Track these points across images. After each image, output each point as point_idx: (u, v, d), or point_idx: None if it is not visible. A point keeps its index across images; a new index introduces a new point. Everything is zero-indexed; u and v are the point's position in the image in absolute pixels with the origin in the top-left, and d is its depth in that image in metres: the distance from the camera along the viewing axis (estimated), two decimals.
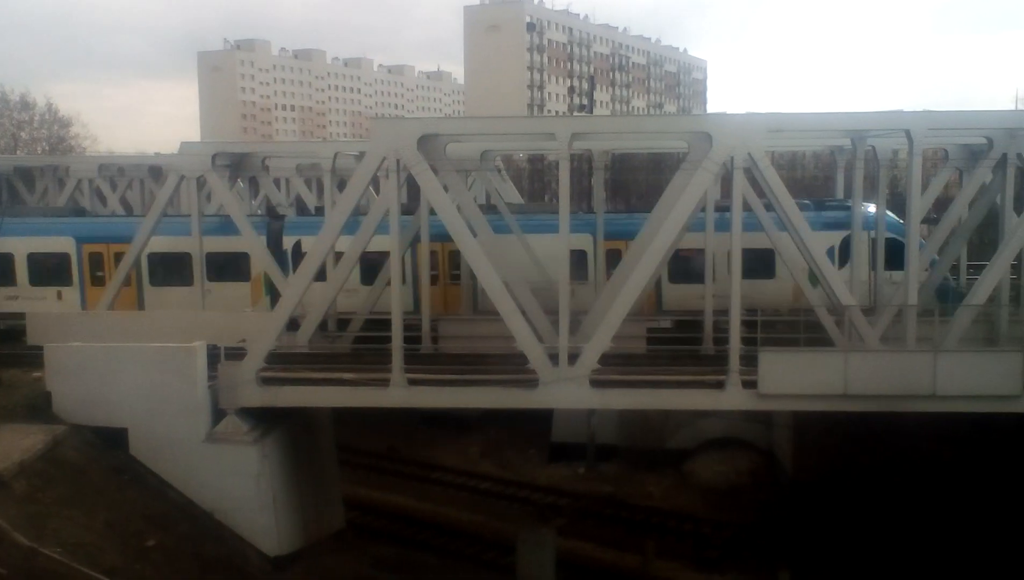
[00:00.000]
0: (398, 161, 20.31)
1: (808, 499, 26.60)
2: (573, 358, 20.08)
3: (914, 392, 19.58)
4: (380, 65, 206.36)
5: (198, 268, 27.56)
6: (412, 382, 20.63)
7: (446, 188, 21.98)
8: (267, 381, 20.84)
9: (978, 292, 20.60)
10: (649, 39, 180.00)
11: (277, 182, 39.24)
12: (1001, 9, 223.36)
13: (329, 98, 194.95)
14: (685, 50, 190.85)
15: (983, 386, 19.50)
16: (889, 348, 20.24)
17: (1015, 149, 23.11)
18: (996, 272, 20.71)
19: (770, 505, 27.68)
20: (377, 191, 24.49)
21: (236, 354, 21.09)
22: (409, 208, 26.43)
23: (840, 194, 31.65)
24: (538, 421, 30.25)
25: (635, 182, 75.68)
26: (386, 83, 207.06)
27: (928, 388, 19.42)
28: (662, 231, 20.63)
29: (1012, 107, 62.38)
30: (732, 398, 20.19)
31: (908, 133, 20.56)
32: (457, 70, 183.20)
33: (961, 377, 19.44)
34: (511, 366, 20.67)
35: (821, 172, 70.44)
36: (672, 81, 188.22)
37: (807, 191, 46.19)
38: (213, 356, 20.92)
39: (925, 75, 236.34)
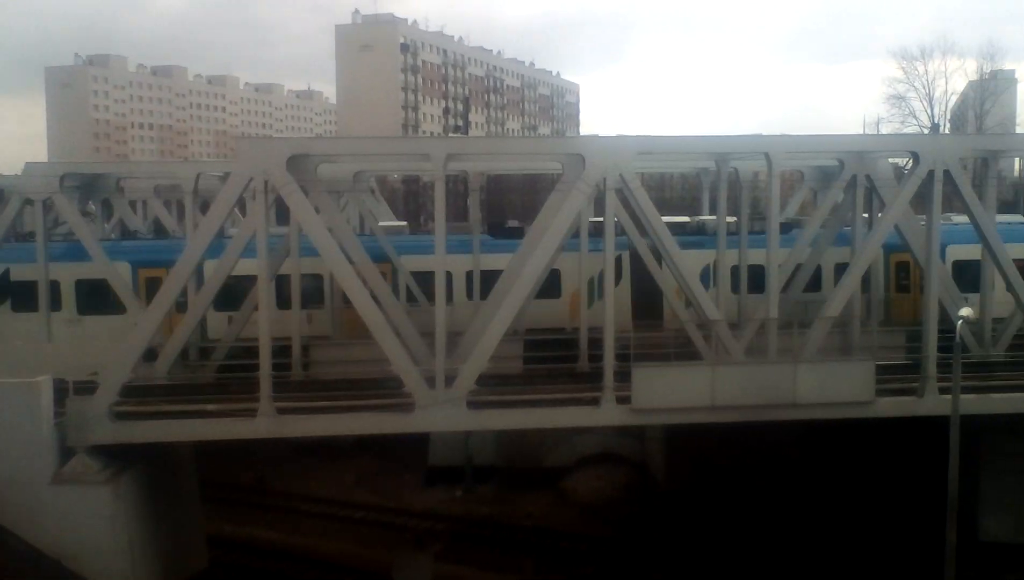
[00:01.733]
0: (266, 182, 20.17)
1: (679, 507, 27.76)
2: (450, 380, 20.35)
3: (777, 401, 20.84)
4: (247, 83, 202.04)
5: (44, 297, 26.10)
6: (281, 411, 20.33)
7: (317, 210, 21.96)
8: (121, 416, 20.01)
9: (832, 305, 21.98)
10: (523, 62, 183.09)
11: (133, 205, 37.82)
12: (847, 41, 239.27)
13: (191, 116, 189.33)
14: (558, 73, 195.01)
15: (839, 393, 20.90)
16: (752, 360, 21.40)
17: (864, 171, 24.89)
18: (848, 286, 22.20)
19: (644, 516, 28.67)
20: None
21: (88, 388, 20.16)
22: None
23: (705, 213, 33.15)
24: (415, 445, 30.39)
25: (511, 203, 76.93)
26: (253, 101, 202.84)
27: (789, 397, 20.71)
28: (538, 250, 21.20)
29: (860, 131, 66.50)
30: (607, 414, 20.90)
31: (767, 156, 21.90)
32: (329, 89, 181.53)
33: (819, 386, 20.80)
34: (386, 390, 20.76)
35: (688, 193, 73.35)
36: (546, 104, 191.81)
37: (674, 211, 48.06)
38: (62, 391, 19.87)
39: (781, 101, 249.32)
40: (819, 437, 25.49)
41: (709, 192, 32.49)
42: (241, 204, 23.51)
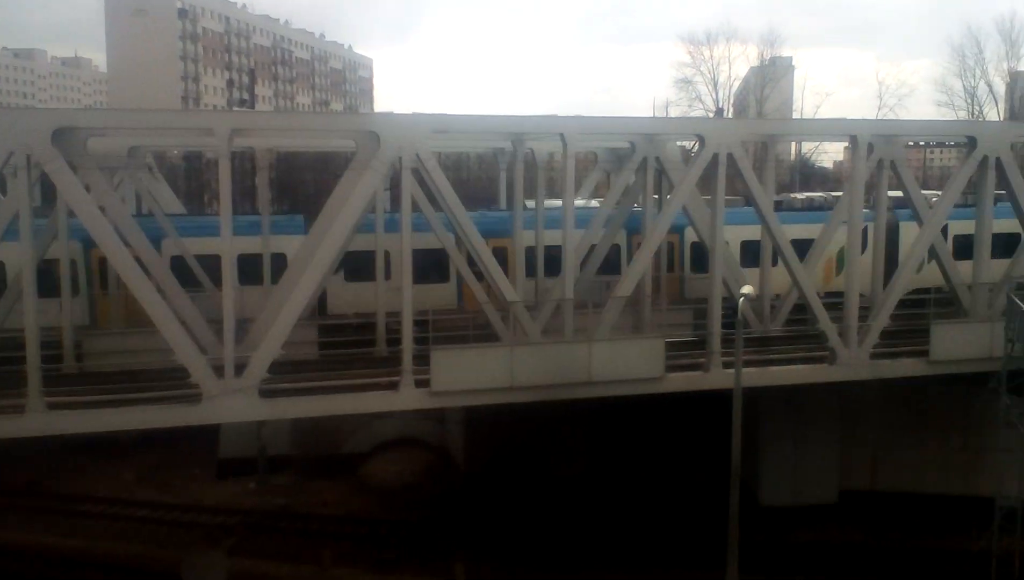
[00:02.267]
0: (28, 157, 18.66)
1: (480, 488, 28.29)
2: (241, 369, 19.70)
3: (573, 379, 21.57)
4: (4, 48, 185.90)
5: None
6: (52, 406, 19.05)
7: (88, 188, 20.57)
8: None
9: (624, 284, 22.95)
10: (312, 34, 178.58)
11: None
12: (640, 23, 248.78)
13: None
14: (350, 47, 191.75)
15: (632, 370, 21.92)
16: (549, 340, 22.04)
17: (654, 153, 26.04)
18: (640, 266, 23.24)
19: (445, 500, 29.01)
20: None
21: None
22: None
23: (503, 195, 33.72)
24: (203, 438, 29.24)
25: (302, 182, 74.88)
26: (12, 69, 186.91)
27: (584, 375, 21.50)
28: (331, 232, 20.80)
29: (651, 114, 69.63)
30: (406, 398, 20.89)
31: (562, 136, 22.46)
32: (99, 57, 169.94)
33: (612, 363, 21.72)
34: (170, 381, 19.82)
35: (485, 173, 74.28)
36: (338, 78, 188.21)
37: (472, 192, 48.65)
38: None
39: (578, 81, 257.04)
40: (615, 413, 26.60)
41: (506, 173, 33.00)
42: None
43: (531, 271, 26.84)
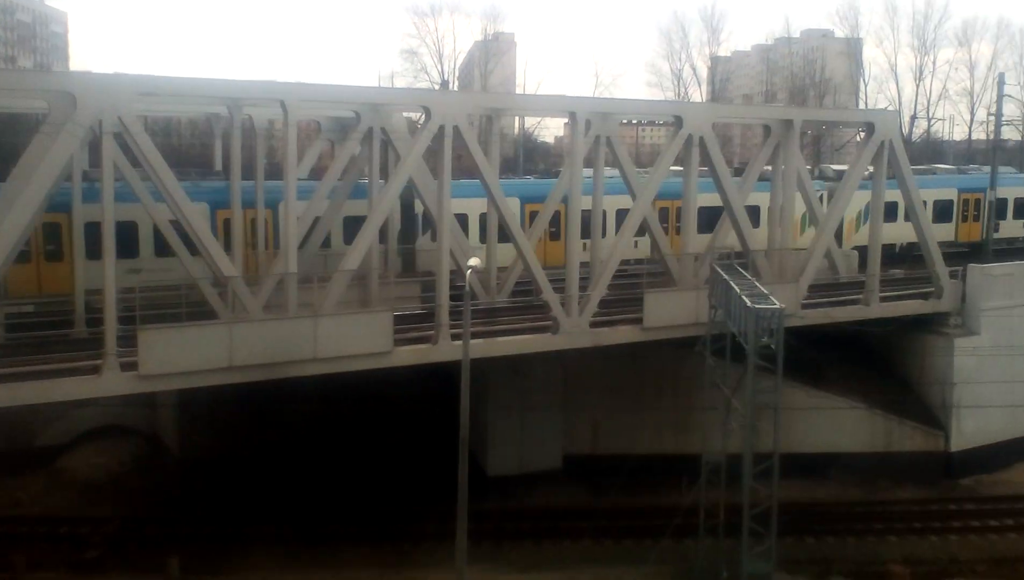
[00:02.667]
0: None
1: (196, 476, 26.97)
2: None
3: (297, 357, 20.90)
4: None
5: None
6: None
7: None
8: None
9: (350, 258, 22.55)
10: None
11: None
12: None
13: None
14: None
15: (359, 345, 21.59)
16: (271, 316, 21.22)
17: (380, 123, 25.74)
18: (366, 238, 22.90)
19: (156, 490, 27.40)
20: None
21: None
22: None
23: (218, 164, 32.13)
24: None
25: None
26: None
27: (310, 352, 20.91)
28: (19, 202, 18.75)
29: (377, 84, 69.10)
30: (110, 383, 19.35)
31: (283, 103, 21.58)
32: None
33: (339, 339, 21.27)
34: None
35: (198, 140, 70.64)
36: (27, 32, 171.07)
37: (184, 161, 45.95)
38: None
39: (301, 49, 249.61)
40: (345, 389, 26.22)
41: (222, 140, 31.44)
42: None
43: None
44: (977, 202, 45.61)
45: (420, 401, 28.21)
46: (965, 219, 45.76)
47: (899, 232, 38.99)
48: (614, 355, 26.65)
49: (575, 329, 24.71)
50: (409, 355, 22.66)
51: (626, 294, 27.33)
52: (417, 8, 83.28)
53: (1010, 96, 51.88)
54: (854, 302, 30.14)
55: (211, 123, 33.04)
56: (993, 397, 30.93)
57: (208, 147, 37.09)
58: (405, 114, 30.07)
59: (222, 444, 27.82)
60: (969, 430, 31.50)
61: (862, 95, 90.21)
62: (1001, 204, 44.97)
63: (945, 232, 43.36)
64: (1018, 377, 31.43)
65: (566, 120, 28.60)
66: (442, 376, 23.61)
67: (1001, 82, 48.29)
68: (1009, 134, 64.67)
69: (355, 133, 25.72)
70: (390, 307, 22.96)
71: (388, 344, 21.94)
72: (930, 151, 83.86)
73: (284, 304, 21.50)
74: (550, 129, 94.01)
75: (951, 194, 45.84)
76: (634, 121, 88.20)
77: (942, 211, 44.57)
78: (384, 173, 26.94)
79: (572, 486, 29.07)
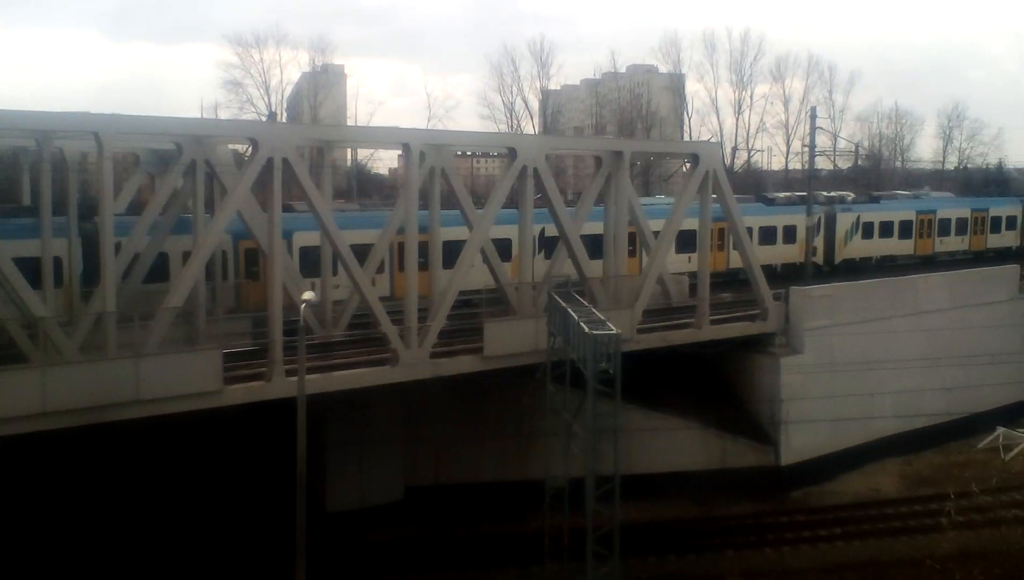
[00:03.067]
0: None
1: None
2: None
3: (118, 400, 19.84)
4: None
5: None
6: None
7: None
8: None
9: (175, 294, 21.69)
10: None
11: None
12: (180, 21, 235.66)
13: None
14: None
15: (186, 385, 20.73)
16: (88, 358, 20.13)
17: (203, 155, 25.02)
18: (191, 273, 22.12)
19: None
20: None
21: None
22: None
23: (27, 197, 30.42)
24: None
25: None
26: None
27: (132, 394, 19.90)
28: None
29: (199, 115, 67.30)
30: None
31: (97, 136, 20.69)
32: None
33: (164, 379, 20.36)
34: None
35: (3, 174, 66.66)
36: None
37: None
38: None
39: (116, 81, 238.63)
40: (171, 431, 25.11)
41: (30, 174, 29.79)
42: None
43: None
44: (929, 221, 56.40)
45: (256, 439, 27.32)
46: (920, 236, 55.86)
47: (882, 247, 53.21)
48: (455, 385, 26.67)
49: (415, 360, 24.61)
50: (241, 394, 21.95)
51: (466, 324, 27.44)
52: (240, 39, 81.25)
53: (822, 128, 55.54)
54: (687, 326, 31.33)
55: (19, 156, 31.19)
56: (818, 412, 32.75)
57: (14, 181, 34.98)
58: (232, 146, 29.38)
59: (29, 496, 26.06)
60: (797, 444, 33.12)
61: (686, 127, 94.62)
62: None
63: (906, 247, 55.19)
64: (839, 392, 33.38)
65: (400, 152, 28.57)
66: (279, 413, 22.94)
67: (813, 116, 51.65)
68: (823, 164, 69.19)
69: (177, 166, 24.87)
70: (219, 344, 22.21)
71: (217, 383, 21.17)
72: (751, 181, 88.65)
73: (103, 344, 20.46)
74: (384, 161, 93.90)
75: (911, 215, 55.81)
76: (468, 153, 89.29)
77: (904, 229, 55.11)
78: (210, 207, 26.18)
79: (415, 518, 28.77)
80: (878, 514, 30.89)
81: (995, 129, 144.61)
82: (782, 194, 56.55)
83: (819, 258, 50.47)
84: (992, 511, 30.36)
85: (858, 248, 53.29)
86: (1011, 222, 61.34)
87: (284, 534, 19.99)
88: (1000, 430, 37.57)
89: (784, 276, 44.40)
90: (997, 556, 27.21)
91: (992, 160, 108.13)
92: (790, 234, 49.26)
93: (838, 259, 52.28)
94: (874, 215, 54.64)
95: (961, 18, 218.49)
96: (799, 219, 48.69)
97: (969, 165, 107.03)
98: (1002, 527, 29.05)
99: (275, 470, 24.73)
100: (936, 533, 28.97)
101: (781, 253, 48.48)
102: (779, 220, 49.18)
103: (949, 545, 28.02)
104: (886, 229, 54.65)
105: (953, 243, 58.03)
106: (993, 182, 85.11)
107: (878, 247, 54.26)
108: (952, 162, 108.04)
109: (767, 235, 47.86)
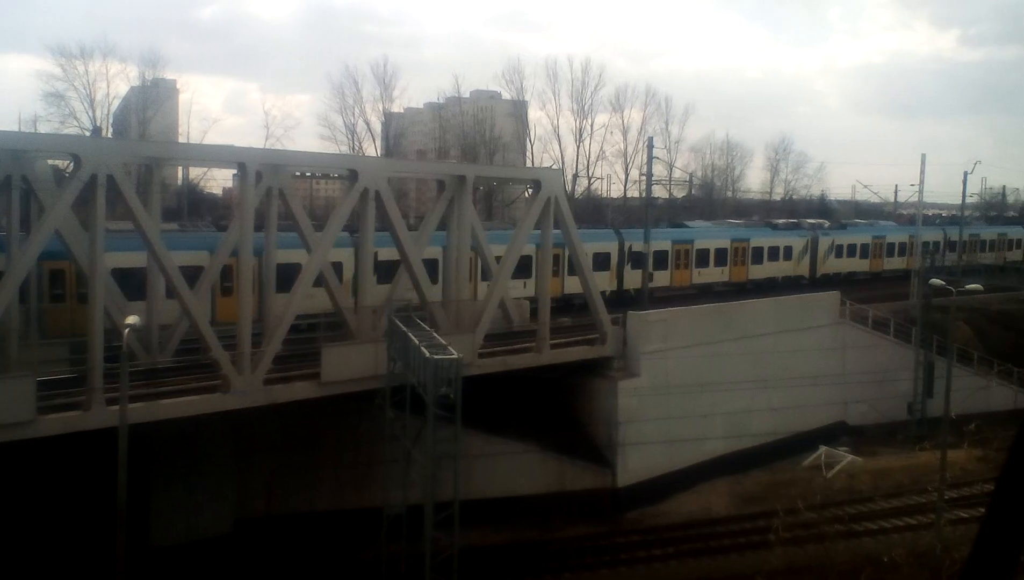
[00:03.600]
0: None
1: None
2: None
3: None
4: None
5: None
6: None
7: None
8: None
9: None
10: None
11: None
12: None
13: None
14: None
15: None
16: None
17: (20, 171, 23.80)
18: (4, 296, 20.92)
19: None
20: None
21: None
22: None
23: None
24: None
25: None
26: None
27: None
28: None
29: (16, 129, 63.74)
30: None
31: None
32: None
33: None
34: None
35: None
36: None
37: None
38: None
39: None
40: None
41: None
42: None
43: None
44: (880, 245, 69.37)
45: (80, 471, 25.91)
46: (875, 256, 68.90)
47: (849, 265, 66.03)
48: (290, 412, 26.17)
49: (247, 387, 24.04)
50: (56, 424, 20.89)
51: (303, 349, 27.01)
52: (64, 49, 77.12)
53: (658, 158, 57.75)
54: (527, 350, 31.85)
55: None
56: (653, 434, 33.93)
57: None
58: (52, 162, 28.00)
59: None
60: (633, 466, 34.14)
61: (529, 154, 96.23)
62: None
63: (864, 265, 67.74)
64: (673, 414, 34.63)
65: (235, 171, 27.98)
66: (103, 443, 21.87)
67: (650, 146, 53.82)
68: (660, 192, 72.06)
69: None
70: (32, 371, 21.05)
71: (30, 412, 20.06)
72: (591, 207, 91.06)
73: None
74: (218, 180, 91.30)
75: (868, 240, 69.14)
76: (308, 174, 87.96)
77: (864, 251, 68.25)
78: (27, 225, 24.86)
79: (246, 551, 27.91)
80: (710, 532, 32.08)
81: (818, 162, 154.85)
82: (781, 221, 68.49)
83: (806, 273, 62.67)
84: (817, 527, 32.03)
85: (832, 265, 65.29)
86: (936, 246, 74.48)
87: (105, 570, 19.04)
88: (823, 449, 39.69)
89: (784, 286, 57.09)
90: (822, 570, 28.70)
91: (815, 192, 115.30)
92: (788, 253, 61.82)
93: (819, 274, 63.53)
94: (844, 239, 67.54)
95: (788, 56, 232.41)
96: (794, 240, 62.35)
97: (794, 196, 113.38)
98: (826, 542, 30.67)
99: (98, 503, 23.53)
100: (764, 549, 30.28)
101: (781, 268, 60.91)
102: (781, 241, 61.97)
103: (777, 560, 29.36)
104: (851, 250, 67.28)
105: (896, 262, 69.87)
106: (816, 213, 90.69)
107: (846, 265, 66.38)
108: (779, 193, 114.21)
109: (773, 254, 60.80)
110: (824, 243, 64.99)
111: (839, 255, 66.23)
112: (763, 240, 61.47)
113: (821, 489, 36.46)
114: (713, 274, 57.17)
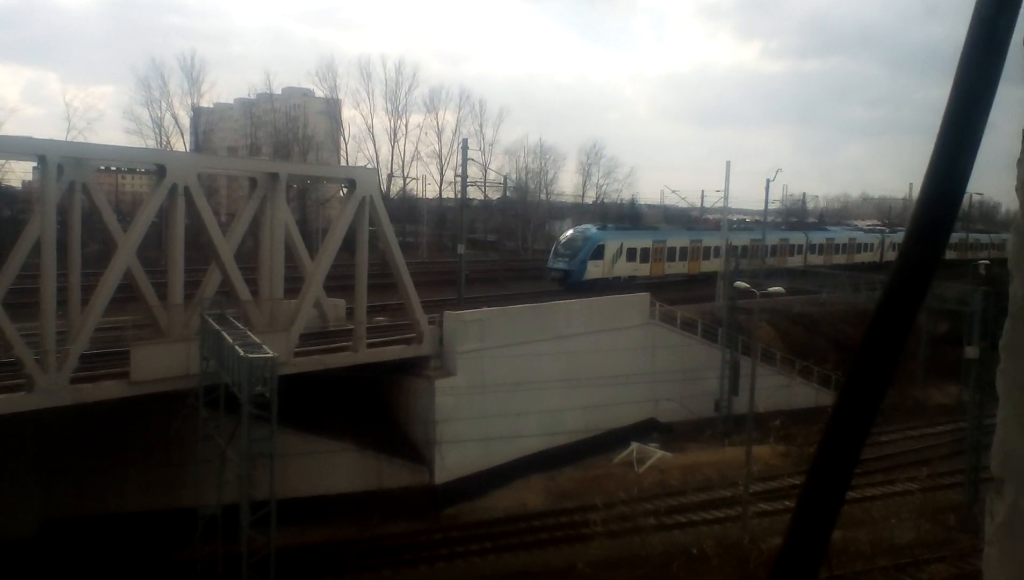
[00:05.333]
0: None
1: None
2: None
3: None
4: None
5: None
6: None
7: None
8: None
9: None
10: None
11: None
12: None
13: None
14: None
15: None
16: None
17: None
18: None
19: None
20: None
21: None
22: None
23: None
24: None
25: None
26: None
27: None
28: None
29: None
30: None
31: None
32: None
33: None
34: None
35: None
36: None
37: None
38: None
39: None
40: None
41: None
42: None
43: None
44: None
45: None
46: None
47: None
48: (98, 412, 26.21)
49: (53, 386, 24.05)
50: None
51: (112, 347, 27.07)
52: None
53: (473, 160, 59.69)
54: (344, 349, 32.85)
55: None
56: (470, 432, 35.57)
57: None
58: None
59: None
60: (450, 463, 35.69)
61: (343, 153, 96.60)
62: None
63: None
64: (489, 413, 36.41)
65: (35, 164, 27.66)
66: None
67: (465, 147, 55.70)
68: (475, 194, 74.05)
69: None
70: None
71: None
72: (406, 207, 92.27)
73: None
74: (17, 173, 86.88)
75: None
76: (113, 168, 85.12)
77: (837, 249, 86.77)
78: None
79: (53, 553, 27.63)
80: (526, 527, 33.76)
81: (628, 168, 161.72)
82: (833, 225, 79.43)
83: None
84: (632, 520, 34.26)
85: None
86: (868, 246, 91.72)
87: None
88: (634, 445, 42.25)
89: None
90: (638, 561, 30.83)
91: (626, 196, 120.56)
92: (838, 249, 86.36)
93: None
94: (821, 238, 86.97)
95: (599, 63, 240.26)
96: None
97: (606, 200, 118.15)
98: (641, 535, 32.84)
99: None
100: (581, 543, 32.23)
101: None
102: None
103: (594, 553, 31.35)
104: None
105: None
106: (627, 217, 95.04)
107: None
108: (591, 196, 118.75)
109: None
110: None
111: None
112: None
113: (633, 484, 38.78)
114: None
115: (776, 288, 42.45)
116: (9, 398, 23.60)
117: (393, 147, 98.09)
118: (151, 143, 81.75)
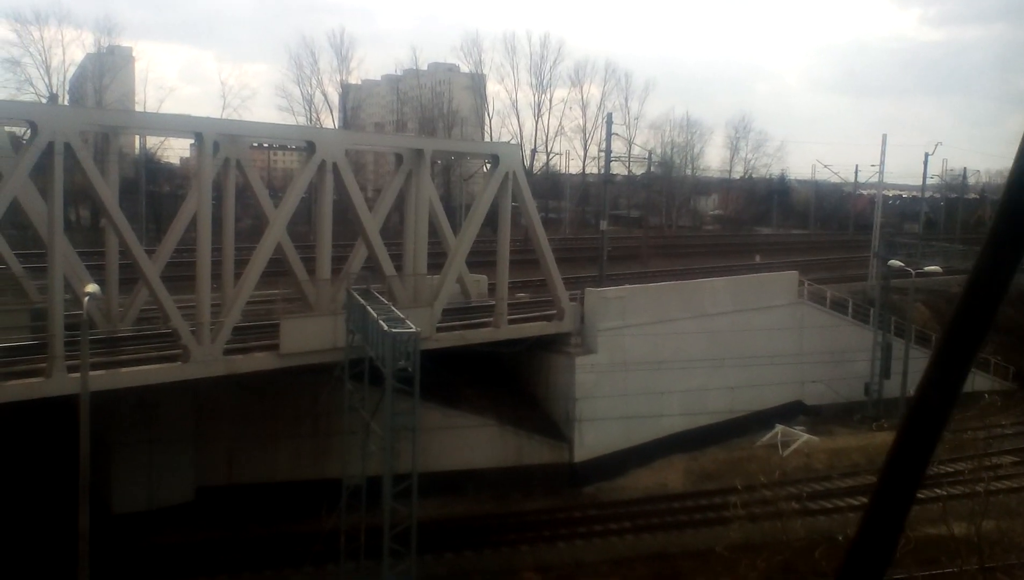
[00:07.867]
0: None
1: None
2: None
3: None
4: None
5: None
6: None
7: None
8: None
9: None
10: None
11: None
12: None
13: None
14: None
15: None
16: None
17: None
18: None
19: None
20: None
21: None
22: None
23: None
24: None
25: None
26: None
27: None
28: None
29: None
30: None
31: None
32: None
33: None
34: None
35: None
36: None
37: None
38: None
39: None
40: None
41: None
42: None
43: None
44: None
45: (41, 438, 26.50)
46: None
47: None
48: (250, 383, 26.94)
49: (207, 357, 24.77)
50: (18, 390, 21.53)
51: (263, 320, 27.72)
52: (19, 14, 76.42)
53: (617, 134, 58.77)
54: (485, 325, 32.81)
55: None
56: (609, 410, 35.10)
57: None
58: (9, 129, 28.41)
59: None
60: (590, 441, 35.34)
61: (487, 128, 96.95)
62: None
63: None
64: (630, 391, 35.85)
65: (192, 141, 28.50)
66: (64, 411, 22.50)
67: (609, 122, 54.80)
68: (618, 169, 73.10)
69: None
70: None
71: None
72: (549, 183, 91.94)
73: None
74: (175, 150, 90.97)
75: None
76: (265, 145, 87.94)
77: None
78: None
79: (207, 519, 28.73)
80: (666, 508, 33.26)
81: (778, 141, 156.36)
82: None
83: None
84: (773, 504, 33.22)
85: None
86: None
87: (67, 537, 19.79)
88: (779, 427, 41.10)
89: None
90: (779, 546, 29.89)
91: (775, 171, 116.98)
92: None
93: None
94: None
95: (748, 35, 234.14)
96: None
97: (754, 175, 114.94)
98: (783, 519, 31.82)
99: (59, 471, 24.19)
100: (720, 525, 31.41)
101: None
102: None
103: (734, 536, 30.52)
104: None
105: None
106: (776, 192, 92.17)
107: None
108: (739, 171, 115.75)
109: None
110: None
111: None
112: None
113: (777, 467, 37.68)
114: None
115: (933, 267, 40.35)
116: (166, 368, 24.43)
117: (537, 122, 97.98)
118: (301, 120, 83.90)
